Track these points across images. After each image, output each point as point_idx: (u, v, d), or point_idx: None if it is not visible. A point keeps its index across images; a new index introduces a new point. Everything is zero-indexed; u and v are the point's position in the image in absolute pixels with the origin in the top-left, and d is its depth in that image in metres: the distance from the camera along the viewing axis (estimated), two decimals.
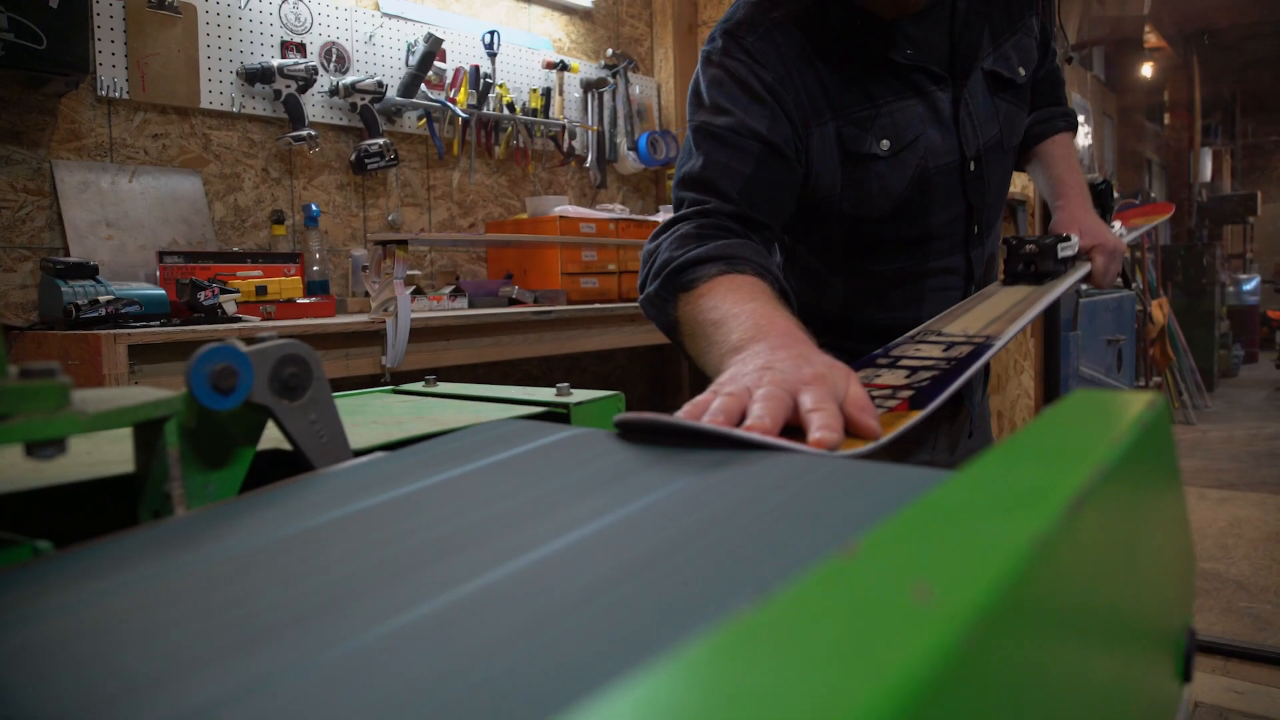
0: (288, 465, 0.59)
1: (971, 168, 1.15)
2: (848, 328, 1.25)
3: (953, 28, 1.12)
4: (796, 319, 0.83)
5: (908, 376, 0.81)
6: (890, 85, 1.10)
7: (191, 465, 0.54)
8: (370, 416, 0.83)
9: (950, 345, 0.90)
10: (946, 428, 1.30)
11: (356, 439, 0.62)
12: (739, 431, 0.55)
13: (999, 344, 0.89)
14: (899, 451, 1.22)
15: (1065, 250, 1.15)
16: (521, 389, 0.93)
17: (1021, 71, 1.20)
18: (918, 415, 0.70)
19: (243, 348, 0.54)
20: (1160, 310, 5.65)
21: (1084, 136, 6.84)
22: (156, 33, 2.43)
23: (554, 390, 0.88)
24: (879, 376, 0.83)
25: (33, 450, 0.44)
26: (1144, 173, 9.10)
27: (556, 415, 0.82)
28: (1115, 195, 1.48)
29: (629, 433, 0.58)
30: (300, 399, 0.57)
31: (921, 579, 0.20)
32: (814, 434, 0.57)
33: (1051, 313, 3.38)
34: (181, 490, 0.52)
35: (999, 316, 1.01)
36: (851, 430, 0.61)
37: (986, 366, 1.39)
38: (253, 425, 0.56)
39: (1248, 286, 8.98)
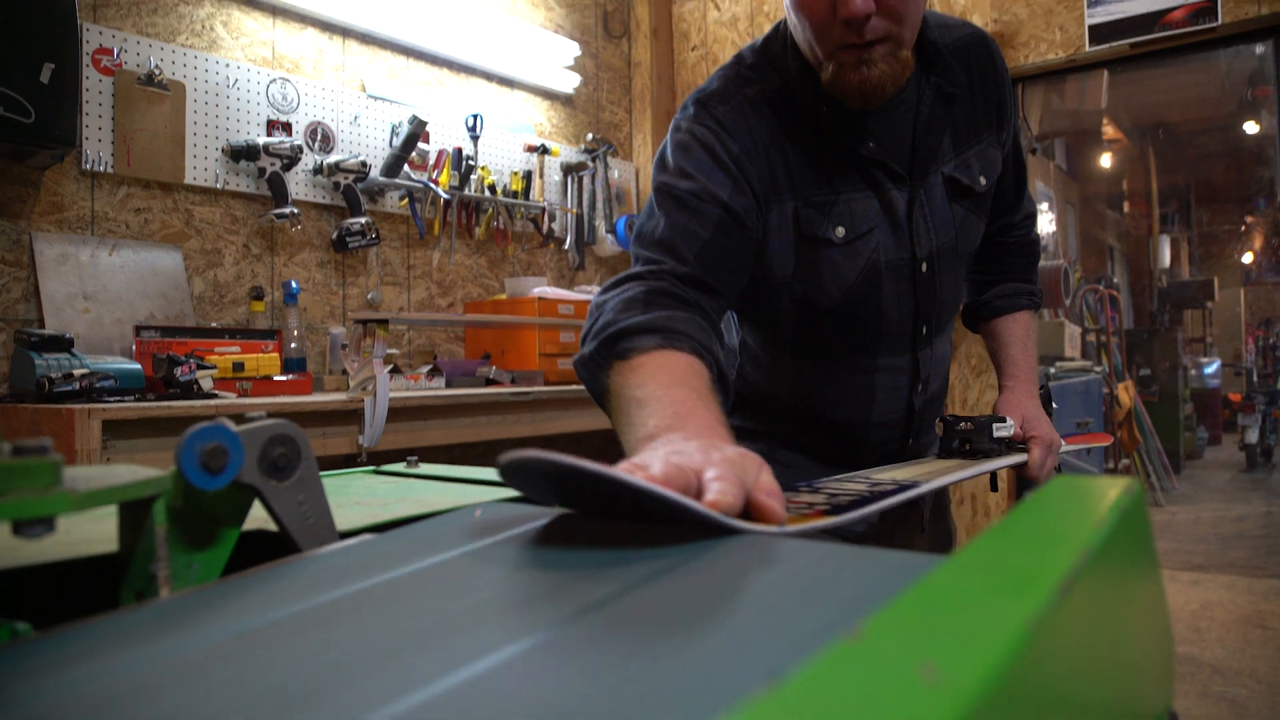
0: (271, 546, 0.58)
1: (923, 269, 1.15)
2: (799, 421, 1.25)
3: (915, 127, 1.13)
4: (721, 412, 0.81)
5: (828, 499, 0.79)
6: (849, 176, 1.11)
7: (176, 546, 0.53)
8: (354, 497, 0.83)
9: (876, 485, 0.88)
10: (898, 533, 1.29)
11: (342, 521, 0.61)
12: (629, 478, 0.51)
13: (925, 487, 0.88)
14: (848, 540, 1.22)
15: (1000, 430, 1.16)
16: None
17: (982, 180, 1.20)
18: (830, 519, 0.68)
19: (233, 427, 0.53)
20: (1126, 393, 5.76)
21: (1049, 224, 7.05)
22: (145, 109, 2.47)
23: None
24: (798, 496, 0.81)
25: (21, 529, 0.43)
26: (1106, 258, 9.36)
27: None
28: (1053, 405, 1.47)
29: (513, 474, 0.55)
30: (288, 479, 0.57)
31: (928, 660, 0.21)
32: (709, 495, 0.54)
33: None
34: (168, 571, 0.52)
35: (929, 472, 1.01)
36: (755, 514, 0.57)
37: (946, 492, 1.39)
38: (239, 505, 0.56)
39: (1209, 370, 9.18)
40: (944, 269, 1.18)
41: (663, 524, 0.54)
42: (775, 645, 0.31)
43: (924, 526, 1.33)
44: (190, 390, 2.00)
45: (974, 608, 0.26)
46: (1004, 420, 1.17)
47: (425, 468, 1.04)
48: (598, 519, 0.58)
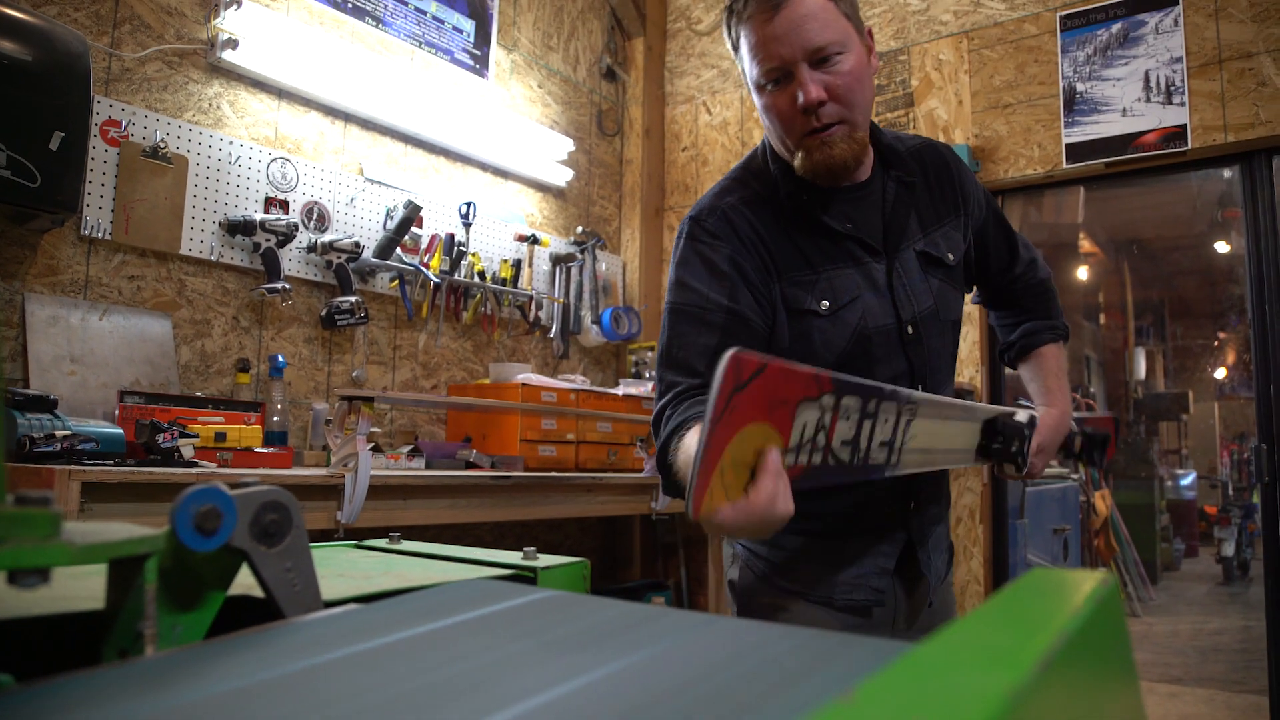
0: (254, 612, 0.58)
1: (909, 331, 1.29)
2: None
3: (884, 211, 1.32)
4: None
5: (823, 452, 0.90)
6: (829, 253, 1.27)
7: (162, 606, 0.53)
8: (336, 569, 0.83)
9: (888, 447, 1.02)
10: (906, 596, 1.34)
11: (326, 591, 0.61)
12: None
13: (898, 471, 1.05)
14: (860, 610, 1.28)
15: (1020, 416, 1.32)
16: (486, 550, 0.93)
17: (950, 257, 1.36)
18: (793, 476, 0.85)
19: (229, 491, 0.54)
20: (1103, 501, 5.78)
21: None
22: (147, 180, 2.52)
23: (520, 554, 0.88)
24: (823, 420, 0.89)
25: (17, 578, 0.43)
26: (1083, 368, 9.52)
27: (523, 578, 0.82)
28: (1106, 456, 1.59)
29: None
30: (278, 546, 0.57)
31: (918, 718, 0.22)
32: None
33: (1000, 500, 3.45)
34: (154, 629, 0.52)
35: (930, 444, 1.13)
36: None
37: (950, 549, 1.45)
38: (226, 569, 0.56)
39: (1185, 481, 9.24)
40: (929, 333, 1.32)
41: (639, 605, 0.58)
42: (766, 712, 0.32)
43: (931, 600, 1.37)
44: (171, 458, 1.99)
45: (960, 676, 0.27)
46: (1030, 407, 1.34)
47: (407, 544, 1.04)
48: (588, 597, 0.59)
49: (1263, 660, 3.16)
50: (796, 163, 1.24)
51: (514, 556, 0.88)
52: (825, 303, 1.25)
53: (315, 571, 0.59)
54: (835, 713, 0.24)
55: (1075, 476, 5.53)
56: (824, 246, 1.27)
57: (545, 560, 0.86)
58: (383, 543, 1.08)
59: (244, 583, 0.56)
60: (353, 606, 0.60)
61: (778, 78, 1.19)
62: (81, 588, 0.63)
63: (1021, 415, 1.32)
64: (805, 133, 1.21)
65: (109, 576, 0.53)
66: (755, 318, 1.22)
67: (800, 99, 1.17)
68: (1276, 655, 2.85)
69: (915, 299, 1.30)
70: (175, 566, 0.53)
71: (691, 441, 1.01)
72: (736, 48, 1.25)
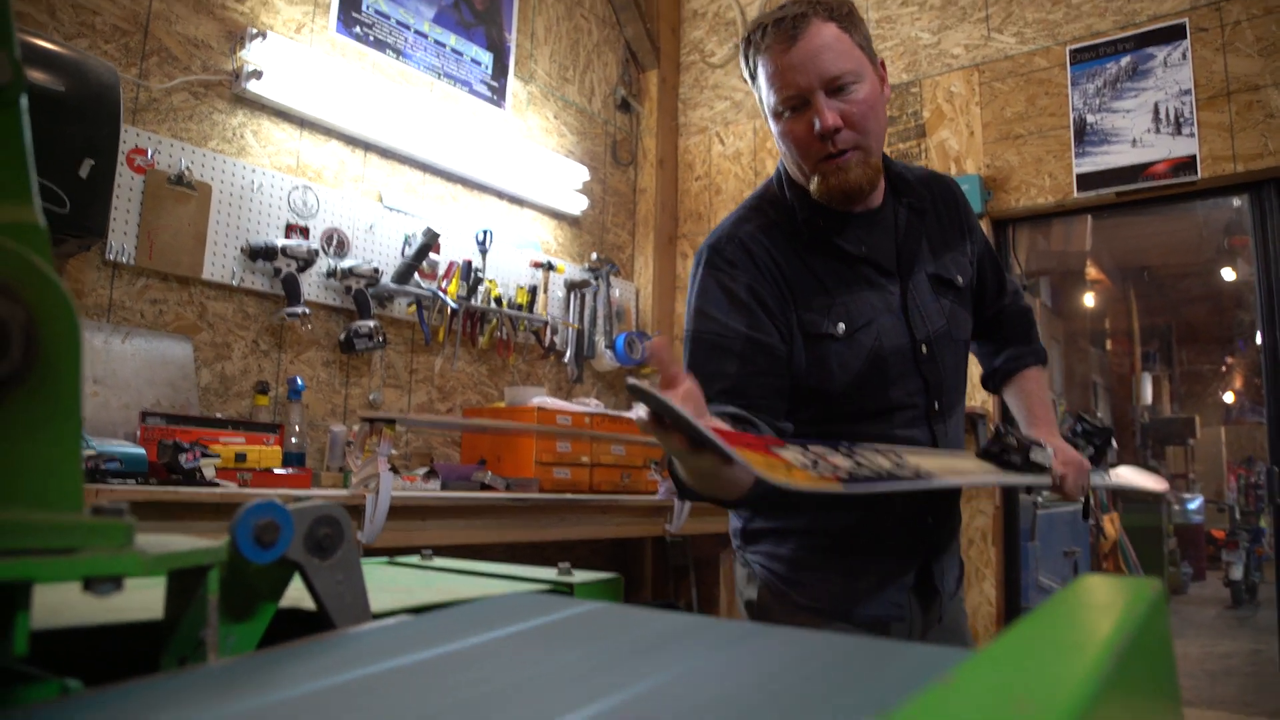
0: (301, 623, 0.59)
1: (924, 350, 1.32)
2: (820, 502, 1.30)
3: (896, 236, 1.36)
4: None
5: (854, 467, 0.91)
6: (844, 278, 1.31)
7: (219, 616, 0.54)
8: (377, 584, 0.84)
9: (899, 466, 1.01)
10: (922, 611, 1.35)
11: (373, 604, 0.61)
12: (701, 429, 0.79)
13: (935, 483, 1.02)
14: (879, 626, 1.29)
15: (1038, 456, 1.29)
16: (519, 567, 0.95)
17: (960, 279, 1.41)
18: (838, 487, 0.80)
19: (287, 505, 0.56)
20: (1112, 525, 5.76)
21: None
22: (171, 207, 2.56)
23: (555, 570, 0.90)
24: (831, 456, 0.91)
25: (92, 585, 0.45)
26: (1090, 394, 9.50)
27: (560, 593, 0.83)
28: (1112, 444, 1.58)
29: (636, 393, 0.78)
30: (330, 559, 0.58)
31: (1018, 695, 0.24)
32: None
33: (1012, 523, 3.44)
34: (216, 638, 0.53)
35: (950, 469, 1.14)
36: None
37: (961, 564, 1.46)
38: (278, 581, 0.57)
39: (1192, 505, 9.18)
40: (943, 352, 1.35)
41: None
42: (834, 710, 0.33)
43: (941, 615, 1.38)
44: (193, 477, 2.01)
45: (1045, 660, 0.29)
46: (1045, 448, 1.30)
47: (439, 561, 1.05)
48: (632, 608, 0.60)
49: (1273, 683, 3.13)
50: (812, 187, 1.28)
51: (548, 572, 0.89)
52: (841, 325, 1.28)
53: (365, 584, 0.60)
54: (938, 694, 0.25)
55: (1091, 520, 5.50)
56: (839, 271, 1.30)
57: (580, 576, 0.87)
58: (415, 559, 1.09)
59: (290, 596, 0.57)
60: (404, 618, 0.61)
61: (795, 105, 1.23)
62: (129, 600, 0.64)
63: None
64: (821, 158, 1.25)
65: (168, 586, 0.54)
66: (775, 343, 1.25)
67: (817, 125, 1.21)
68: None
69: (929, 320, 1.34)
70: (231, 578, 0.54)
71: None
72: (754, 77, 1.29)
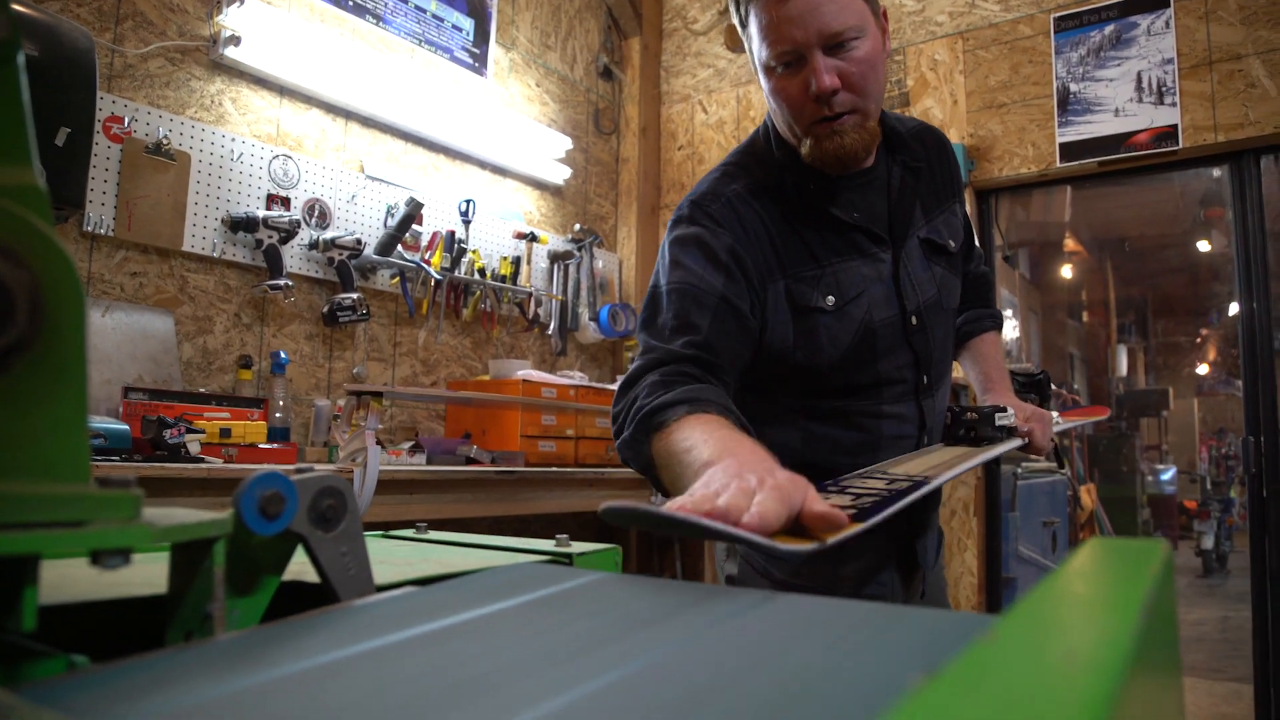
0: (303, 598, 0.59)
1: (914, 322, 1.27)
2: (808, 473, 1.28)
3: (889, 198, 1.29)
4: (760, 444, 0.91)
5: (853, 500, 0.87)
6: (835, 246, 1.24)
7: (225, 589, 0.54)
8: (376, 556, 0.83)
9: (892, 481, 0.98)
10: (903, 586, 1.34)
11: (375, 576, 0.61)
12: (691, 516, 0.66)
13: (936, 481, 0.97)
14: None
15: (1002, 419, 1.28)
16: (516, 539, 0.94)
17: (952, 244, 1.35)
18: (859, 526, 0.75)
19: (291, 476, 0.55)
20: (1089, 496, 5.85)
21: (1013, 330, 7.25)
22: (149, 176, 2.51)
23: (553, 541, 0.89)
24: (827, 499, 0.88)
25: (100, 559, 0.44)
26: (1067, 365, 9.60)
27: (560, 564, 0.83)
28: (1051, 386, 1.62)
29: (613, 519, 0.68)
30: (334, 530, 0.58)
31: (1063, 647, 0.24)
32: (744, 518, 0.65)
33: (993, 494, 3.48)
34: (223, 611, 0.52)
35: (938, 464, 1.11)
36: (810, 525, 0.69)
37: (940, 535, 1.45)
38: (282, 554, 0.56)
39: (1165, 476, 9.34)
40: (933, 322, 1.30)
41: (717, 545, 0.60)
42: (857, 681, 0.33)
43: (924, 591, 1.37)
44: (178, 453, 1.99)
45: (1082, 617, 0.29)
46: (1005, 410, 1.28)
47: (434, 534, 1.05)
48: (637, 578, 0.60)
49: (1242, 649, 3.20)
50: (804, 149, 1.20)
51: (546, 544, 0.89)
52: (831, 298, 1.21)
53: (369, 556, 0.60)
54: (986, 648, 0.25)
55: (1063, 472, 5.58)
56: (829, 239, 1.23)
57: (579, 547, 0.87)
58: (410, 533, 1.09)
59: (292, 569, 0.56)
60: (409, 590, 0.61)
61: (789, 61, 1.13)
62: (131, 574, 0.64)
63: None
64: (815, 120, 1.16)
65: (172, 560, 0.53)
66: (746, 311, 1.17)
67: (813, 87, 1.12)
68: (1261, 643, 2.90)
69: (919, 289, 1.28)
70: (234, 551, 0.54)
71: (700, 435, 0.92)
72: (745, 25, 1.18)
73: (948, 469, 1.05)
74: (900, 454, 1.28)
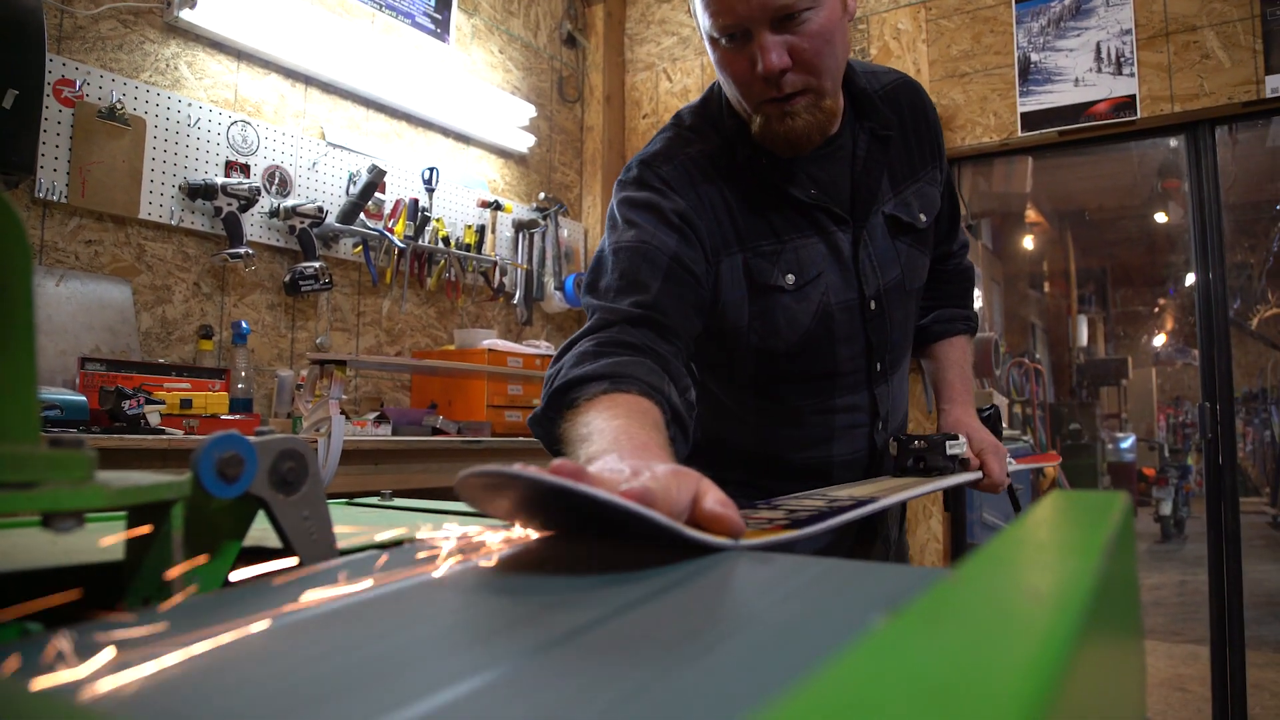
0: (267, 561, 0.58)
1: (872, 306, 1.19)
2: (761, 466, 1.27)
3: (853, 170, 1.19)
4: (666, 439, 0.83)
5: (787, 514, 0.79)
6: (794, 222, 1.15)
7: (183, 555, 0.53)
8: (337, 522, 0.83)
9: (833, 501, 0.90)
10: (864, 547, 1.31)
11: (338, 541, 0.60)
12: (587, 488, 0.51)
13: (881, 503, 0.88)
14: None
15: (954, 448, 1.18)
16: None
17: (922, 218, 1.24)
18: (789, 533, 0.66)
19: (251, 439, 0.54)
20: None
21: (976, 300, 7.34)
22: (103, 142, 2.45)
23: None
24: (756, 513, 0.81)
25: (52, 522, 0.43)
26: (1028, 335, 9.74)
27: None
28: (1001, 424, 1.49)
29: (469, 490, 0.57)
30: (295, 494, 0.57)
31: (1026, 586, 0.25)
32: (637, 489, 0.53)
33: None
34: (182, 575, 0.52)
35: (885, 490, 1.02)
36: (708, 525, 0.56)
37: (903, 505, 1.43)
38: (241, 518, 0.55)
39: (1125, 444, 9.54)
40: (892, 306, 1.22)
41: (620, 540, 0.54)
42: (814, 634, 0.33)
43: (891, 544, 1.34)
44: (137, 425, 1.96)
45: (1046, 558, 0.30)
46: (956, 438, 1.19)
47: (399, 501, 1.05)
48: (567, 540, 0.58)
49: (1199, 612, 3.29)
50: (754, 127, 1.11)
51: None
52: (791, 276, 1.14)
53: (331, 520, 0.59)
54: (949, 586, 0.25)
55: (1026, 439, 5.68)
56: (788, 215, 1.15)
57: None
58: (375, 500, 1.08)
59: (252, 535, 0.56)
60: (372, 553, 0.61)
61: (733, 34, 1.03)
62: (84, 541, 0.63)
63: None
64: (765, 99, 1.07)
65: (129, 525, 0.53)
66: (700, 274, 1.09)
67: (760, 66, 1.03)
68: (1217, 605, 2.99)
69: (881, 270, 1.20)
70: (193, 515, 0.53)
71: (601, 421, 0.83)
72: None
73: (891, 493, 0.97)
74: (853, 446, 1.25)
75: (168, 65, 2.67)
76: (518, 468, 0.52)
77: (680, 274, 1.07)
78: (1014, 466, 1.32)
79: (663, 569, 0.49)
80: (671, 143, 1.17)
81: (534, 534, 0.61)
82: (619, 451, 0.73)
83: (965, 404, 1.34)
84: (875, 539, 1.32)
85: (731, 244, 1.13)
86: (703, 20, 1.06)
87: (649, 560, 0.51)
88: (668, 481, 0.56)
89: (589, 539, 0.59)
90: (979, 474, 1.21)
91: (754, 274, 1.14)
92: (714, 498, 0.58)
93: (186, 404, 2.19)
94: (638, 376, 0.92)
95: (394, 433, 2.68)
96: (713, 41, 1.07)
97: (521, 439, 2.97)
